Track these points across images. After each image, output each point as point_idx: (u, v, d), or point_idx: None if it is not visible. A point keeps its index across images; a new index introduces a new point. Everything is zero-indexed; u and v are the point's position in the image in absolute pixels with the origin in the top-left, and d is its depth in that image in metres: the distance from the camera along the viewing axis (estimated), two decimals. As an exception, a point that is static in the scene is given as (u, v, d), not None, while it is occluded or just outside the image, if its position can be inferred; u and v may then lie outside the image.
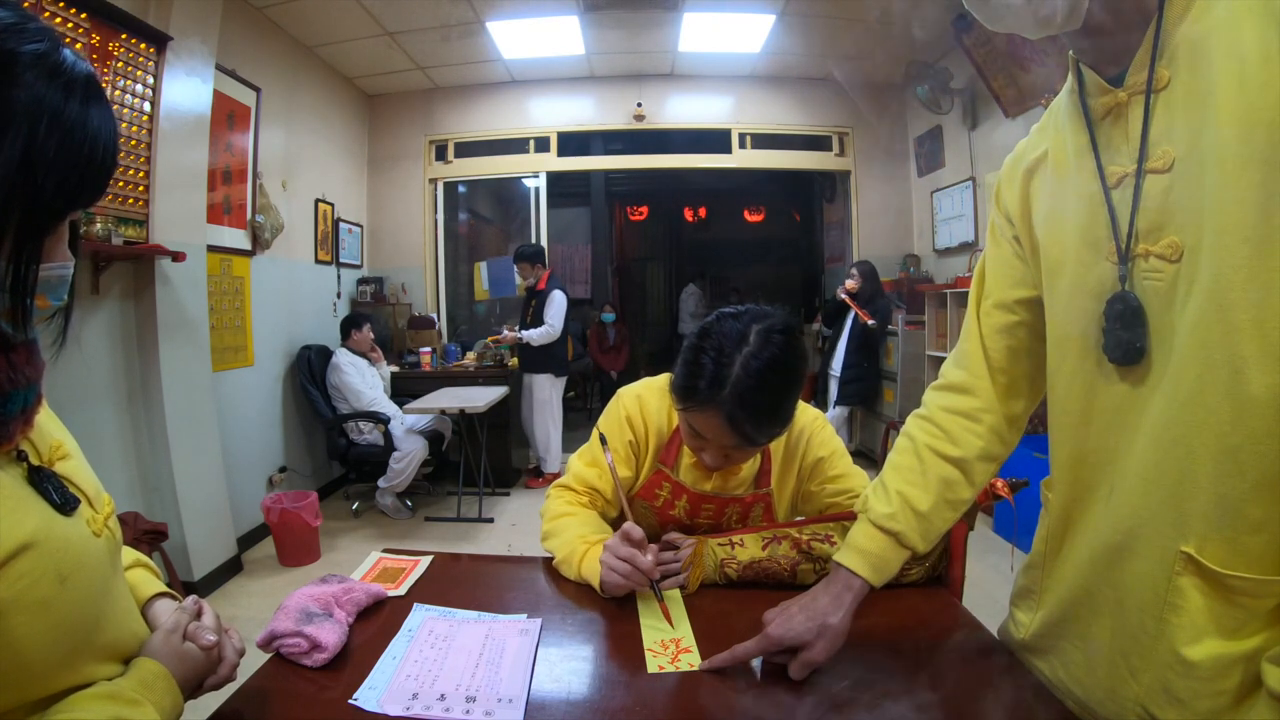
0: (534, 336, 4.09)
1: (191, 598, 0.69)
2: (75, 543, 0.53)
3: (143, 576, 0.70)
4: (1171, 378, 0.59)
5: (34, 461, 0.54)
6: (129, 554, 0.69)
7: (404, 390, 4.13)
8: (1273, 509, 0.54)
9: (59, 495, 0.53)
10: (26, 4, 2.02)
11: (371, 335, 3.94)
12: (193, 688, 0.63)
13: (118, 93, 2.41)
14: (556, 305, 4.10)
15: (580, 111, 4.96)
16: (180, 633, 0.63)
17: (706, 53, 4.50)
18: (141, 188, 2.55)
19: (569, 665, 0.79)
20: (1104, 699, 0.68)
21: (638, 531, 0.91)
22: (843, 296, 4.24)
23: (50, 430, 0.58)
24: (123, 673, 0.57)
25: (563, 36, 4.19)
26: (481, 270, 5.04)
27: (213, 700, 0.68)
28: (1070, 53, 0.67)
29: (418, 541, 3.43)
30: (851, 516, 0.90)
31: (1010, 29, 0.63)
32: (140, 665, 0.58)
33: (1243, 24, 0.53)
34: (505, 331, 4.28)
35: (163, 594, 0.69)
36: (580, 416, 6.28)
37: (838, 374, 4.28)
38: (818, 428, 1.11)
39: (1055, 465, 0.76)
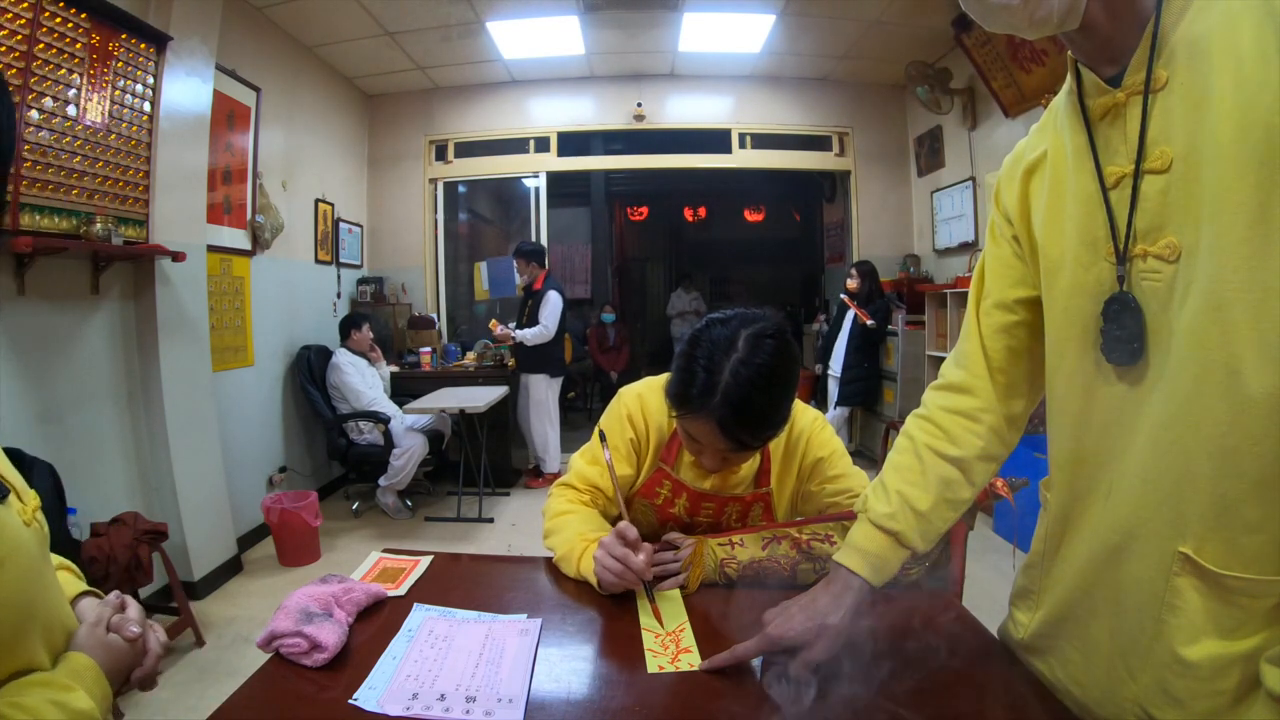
0: (528, 337, 4.09)
1: (114, 593, 0.70)
2: (8, 528, 0.55)
3: (67, 578, 0.71)
4: (1169, 378, 0.59)
5: None
6: (54, 557, 0.70)
7: (404, 390, 4.13)
8: (1270, 509, 0.54)
9: None
10: (26, 4, 2.02)
11: (371, 335, 3.94)
12: (121, 680, 0.64)
13: (118, 93, 2.41)
14: (551, 306, 4.10)
15: (580, 111, 4.96)
16: (104, 625, 0.64)
17: (706, 53, 4.50)
18: (141, 188, 2.55)
19: (569, 665, 0.79)
20: (1102, 699, 0.68)
21: (632, 532, 0.91)
22: (842, 297, 4.26)
23: None
24: (52, 668, 0.58)
25: (563, 36, 4.19)
26: (481, 270, 5.03)
27: (213, 700, 0.68)
28: (1069, 53, 0.67)
29: (418, 541, 3.43)
30: (851, 516, 0.90)
31: (1006, 29, 0.63)
32: (69, 659, 0.59)
33: (1240, 24, 0.53)
34: (499, 330, 4.22)
35: (87, 593, 0.70)
36: (581, 417, 6.28)
37: (838, 374, 4.28)
38: (817, 428, 1.11)
39: (1054, 465, 0.76)
